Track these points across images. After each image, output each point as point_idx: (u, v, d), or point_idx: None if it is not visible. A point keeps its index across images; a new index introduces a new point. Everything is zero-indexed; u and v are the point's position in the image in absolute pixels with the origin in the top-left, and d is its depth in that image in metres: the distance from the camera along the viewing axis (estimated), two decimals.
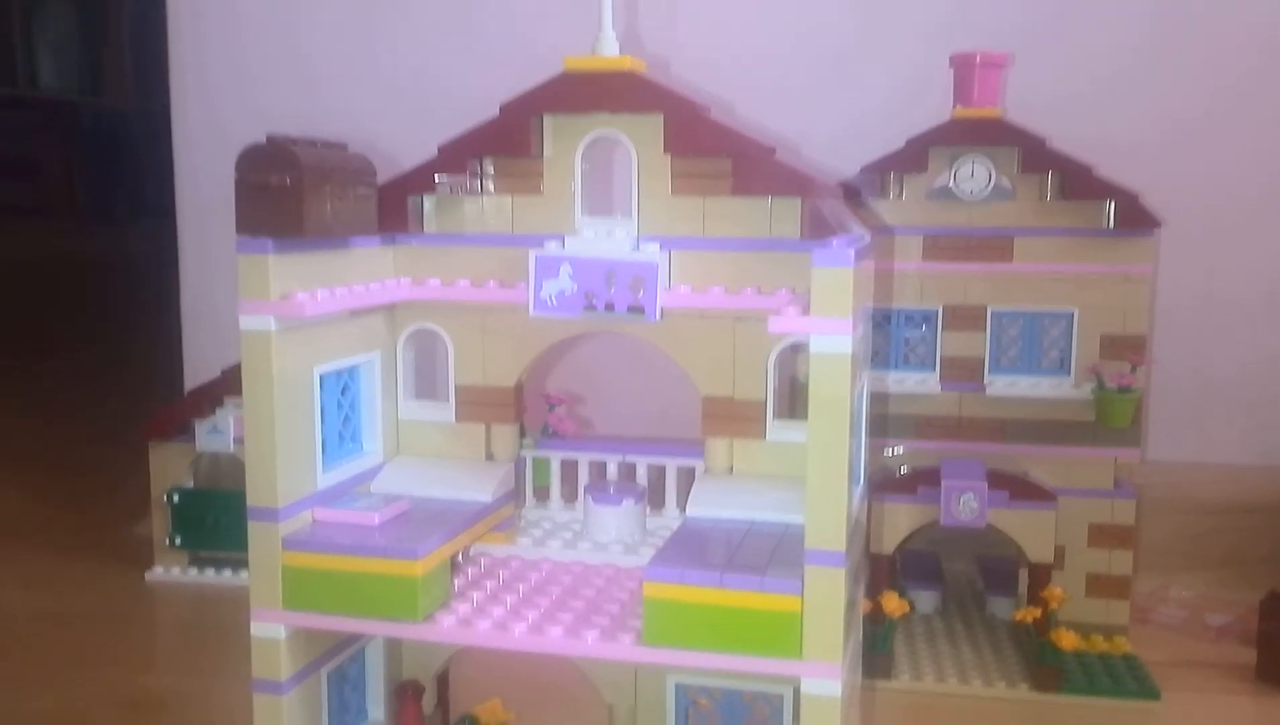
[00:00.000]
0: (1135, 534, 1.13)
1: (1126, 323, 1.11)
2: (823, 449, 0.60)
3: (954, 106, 1.11)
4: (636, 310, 0.71)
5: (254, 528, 0.67)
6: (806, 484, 0.60)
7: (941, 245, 1.12)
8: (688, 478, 0.79)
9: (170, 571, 1.35)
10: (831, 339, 0.59)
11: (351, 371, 0.75)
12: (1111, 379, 1.09)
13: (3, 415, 2.32)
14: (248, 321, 0.65)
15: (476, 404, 0.79)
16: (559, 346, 0.78)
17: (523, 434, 0.82)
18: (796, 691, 0.74)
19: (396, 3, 1.43)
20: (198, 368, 1.49)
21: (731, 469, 0.76)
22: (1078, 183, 1.08)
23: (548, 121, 0.74)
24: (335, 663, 0.75)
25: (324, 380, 0.71)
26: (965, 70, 1.10)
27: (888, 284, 1.12)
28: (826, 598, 0.60)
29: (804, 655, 0.61)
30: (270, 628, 0.68)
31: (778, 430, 0.75)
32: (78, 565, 1.40)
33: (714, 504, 0.72)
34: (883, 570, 1.08)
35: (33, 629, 1.22)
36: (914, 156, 1.11)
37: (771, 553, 0.65)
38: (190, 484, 1.33)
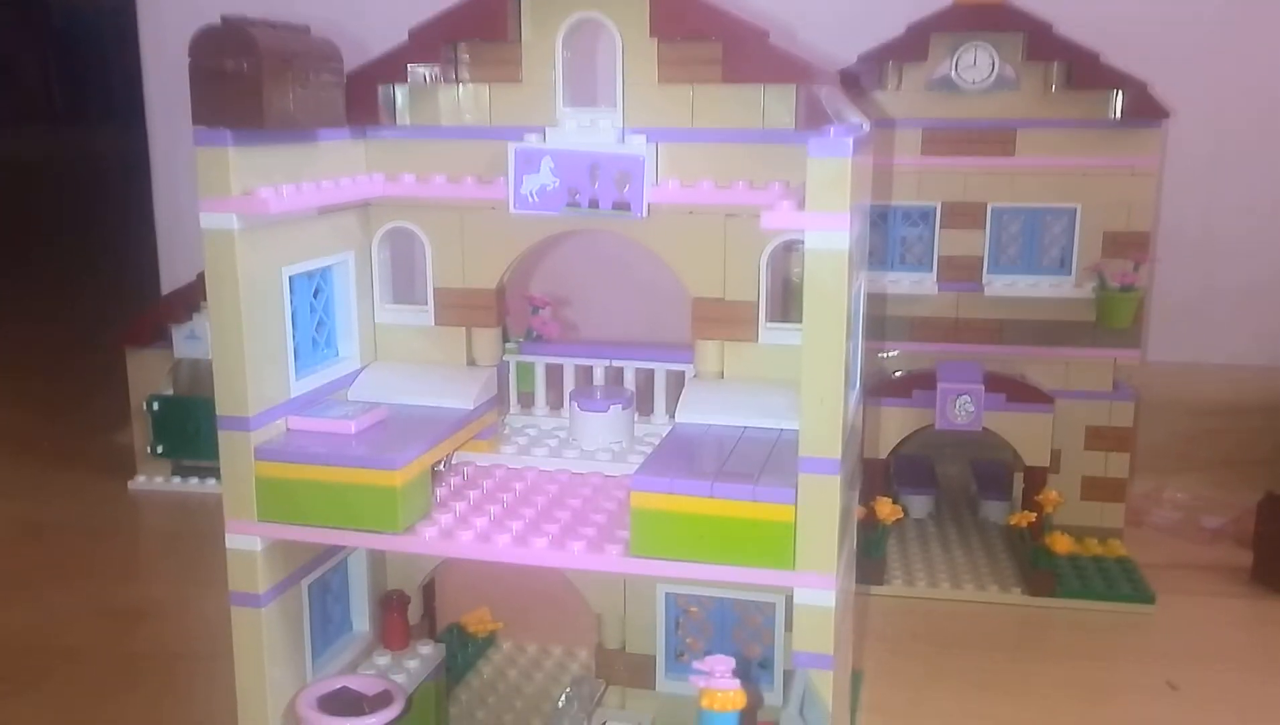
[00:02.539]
0: (1133, 436, 1.11)
1: (1131, 219, 1.07)
2: (818, 352, 0.57)
3: None
4: (622, 206, 0.67)
5: (225, 437, 0.64)
6: (800, 389, 0.57)
7: (941, 138, 1.08)
8: (677, 383, 0.76)
9: (153, 480, 1.33)
10: (827, 235, 0.56)
11: (324, 273, 0.71)
12: (1114, 278, 1.06)
13: None
14: (209, 220, 0.62)
15: (456, 307, 0.75)
16: (542, 245, 0.74)
17: (505, 338, 0.79)
18: (789, 599, 0.72)
19: None
20: (174, 272, 1.45)
21: (722, 373, 0.73)
22: (1084, 71, 1.04)
23: (525, 3, 0.69)
24: (316, 574, 0.73)
25: (294, 282, 0.67)
26: None
27: (886, 180, 1.08)
28: (821, 507, 0.58)
29: (797, 566, 0.58)
30: (245, 539, 0.66)
31: (771, 332, 0.71)
32: (58, 474, 1.38)
33: (704, 410, 0.69)
34: (876, 475, 1.07)
35: (11, 538, 1.20)
36: (914, 44, 1.06)
37: (764, 460, 0.62)
38: (170, 391, 1.30)
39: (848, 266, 0.56)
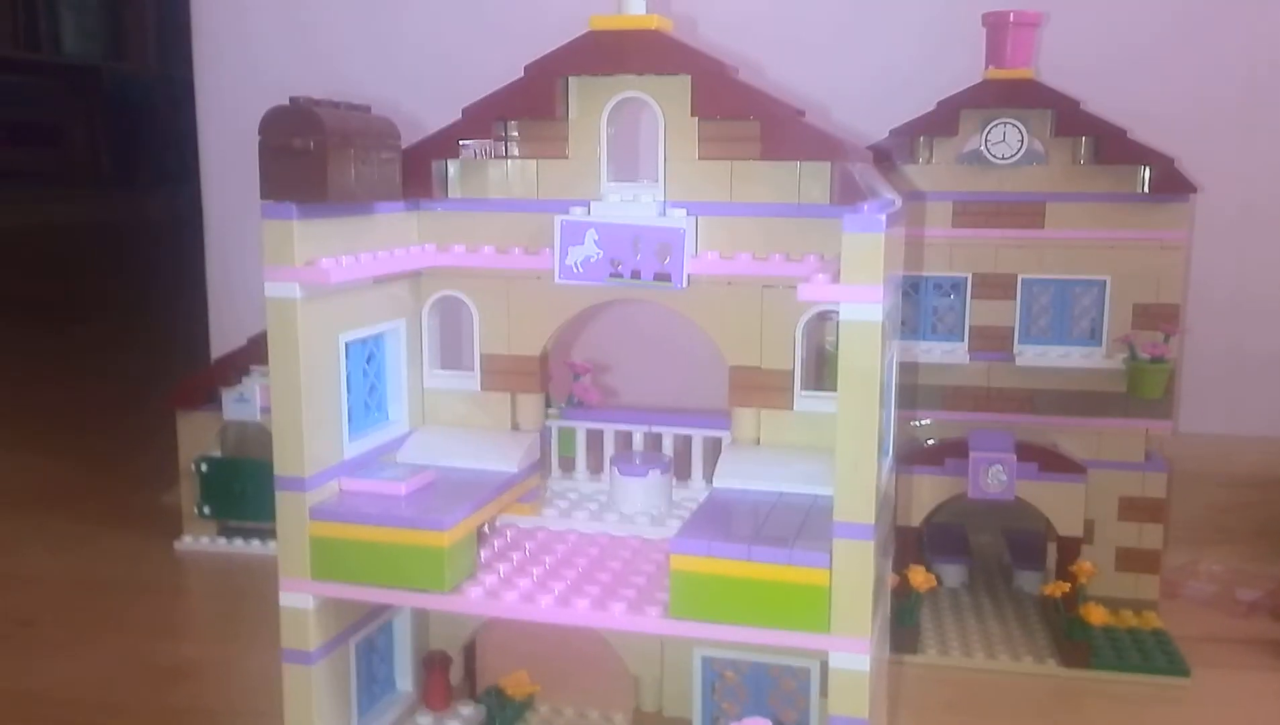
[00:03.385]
0: (1166, 507, 1.12)
1: (1160, 291, 1.09)
2: (852, 420, 0.59)
3: (986, 67, 1.09)
4: (663, 277, 0.70)
5: (281, 497, 0.67)
6: (835, 455, 0.59)
7: (972, 211, 1.10)
8: (714, 449, 0.78)
9: (199, 541, 1.36)
10: (862, 307, 0.58)
11: (377, 339, 0.74)
12: (1144, 349, 1.07)
13: (31, 382, 2.34)
14: (273, 288, 0.65)
15: (502, 373, 0.78)
16: (585, 314, 0.77)
17: (548, 403, 0.81)
18: (824, 665, 0.73)
19: None
20: (224, 335, 1.49)
21: (759, 440, 0.75)
22: (1112, 147, 1.06)
23: (573, 83, 0.73)
24: (364, 633, 0.75)
25: (349, 348, 0.70)
26: (998, 30, 1.08)
27: (918, 251, 1.10)
28: (855, 571, 0.59)
29: (832, 629, 0.60)
30: (299, 598, 0.68)
31: (805, 401, 0.74)
32: (107, 533, 1.41)
33: (741, 475, 0.71)
34: (909, 543, 1.07)
35: (62, 595, 1.22)
36: (945, 119, 1.09)
37: (799, 525, 0.64)
38: (218, 453, 1.33)
39: (881, 337, 0.58)
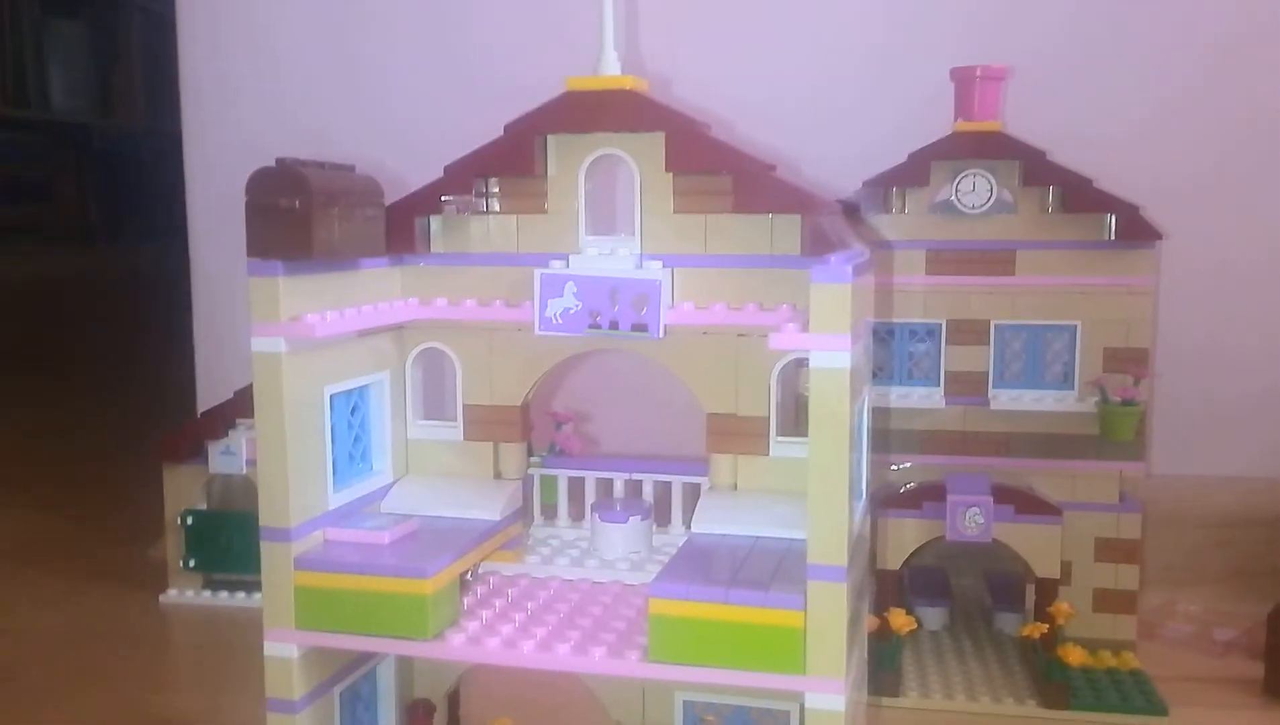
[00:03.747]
0: (1141, 548, 1.13)
1: (1130, 336, 1.11)
2: (823, 464, 0.60)
3: (955, 120, 1.12)
4: (640, 328, 0.72)
5: (267, 548, 0.68)
6: (808, 499, 0.61)
7: (944, 259, 1.12)
8: (693, 494, 0.80)
9: (184, 594, 1.36)
10: (831, 355, 0.60)
11: (361, 392, 0.76)
12: (1115, 392, 1.10)
13: (16, 435, 2.34)
14: (259, 343, 0.66)
15: (484, 423, 0.80)
16: (565, 365, 0.79)
17: (530, 452, 0.83)
18: (803, 707, 0.75)
19: (405, 31, 1.45)
20: (210, 389, 1.50)
21: (736, 485, 0.76)
22: (1079, 195, 1.09)
23: (551, 141, 0.75)
24: (348, 681, 0.75)
25: (334, 401, 0.72)
26: (965, 84, 1.11)
27: (889, 298, 1.12)
28: (829, 613, 0.61)
29: (807, 670, 0.61)
30: (283, 647, 0.69)
31: (781, 446, 0.75)
32: (92, 586, 1.41)
33: (719, 521, 0.73)
34: (889, 586, 1.09)
35: (47, 649, 1.22)
36: (915, 170, 1.11)
37: (775, 568, 0.65)
38: (204, 506, 1.34)
39: (850, 383, 0.60)
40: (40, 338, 3.40)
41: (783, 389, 0.77)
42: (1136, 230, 1.08)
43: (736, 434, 0.76)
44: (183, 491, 1.34)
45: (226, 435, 1.30)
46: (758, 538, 0.71)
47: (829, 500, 0.60)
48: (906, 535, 1.08)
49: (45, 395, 2.74)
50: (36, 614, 1.33)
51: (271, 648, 0.69)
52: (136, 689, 1.12)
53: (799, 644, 0.61)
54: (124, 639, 1.26)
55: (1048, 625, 1.04)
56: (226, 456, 1.29)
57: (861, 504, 0.70)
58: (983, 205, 1.11)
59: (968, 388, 1.13)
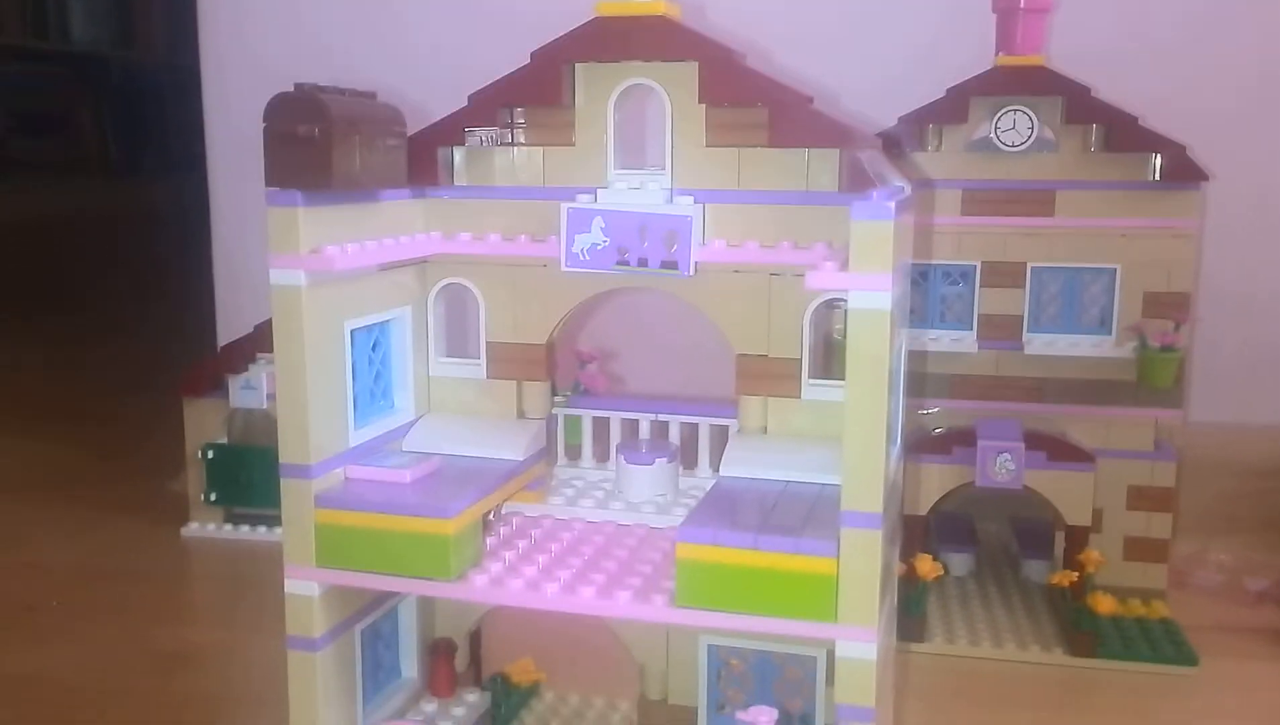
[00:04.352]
0: (1175, 497, 1.11)
1: (1171, 280, 1.08)
2: (860, 408, 0.58)
3: (996, 54, 1.08)
4: (670, 265, 0.70)
5: (287, 485, 0.67)
6: (843, 444, 0.59)
7: (981, 199, 1.09)
8: (721, 437, 0.78)
9: (205, 527, 1.36)
10: (870, 295, 0.57)
11: (382, 327, 0.74)
12: (1154, 338, 1.07)
13: (37, 370, 2.34)
14: (277, 276, 0.64)
15: (508, 361, 0.78)
16: (591, 302, 0.77)
17: (554, 391, 0.81)
18: (830, 654, 0.73)
19: None
20: (231, 323, 1.49)
21: (766, 428, 0.74)
22: (1123, 134, 1.05)
23: (579, 70, 0.72)
24: (369, 620, 0.75)
25: (355, 336, 0.70)
26: (1008, 16, 1.07)
27: (926, 239, 1.09)
28: (862, 560, 0.59)
29: (839, 619, 0.60)
30: (304, 585, 0.68)
31: (813, 389, 0.73)
32: (114, 520, 1.42)
33: (748, 464, 0.71)
34: (916, 532, 1.07)
35: (69, 582, 1.23)
36: (954, 107, 1.08)
37: (806, 514, 0.64)
38: (225, 440, 1.33)
39: (890, 326, 0.58)
40: (59, 272, 3.40)
41: (815, 331, 0.74)
42: (1182, 171, 1.04)
43: (767, 376, 0.73)
44: (203, 426, 1.34)
45: (247, 370, 1.29)
46: (788, 482, 0.69)
47: (865, 445, 0.58)
48: (935, 480, 1.06)
49: (65, 330, 2.74)
50: (57, 547, 1.33)
51: (292, 585, 0.68)
52: (157, 622, 1.12)
53: (831, 592, 0.59)
54: (145, 572, 1.26)
55: (1077, 573, 1.02)
56: (247, 391, 1.28)
57: (896, 450, 0.68)
58: (1023, 143, 1.08)
59: (1001, 332, 1.10)
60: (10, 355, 2.48)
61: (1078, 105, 1.06)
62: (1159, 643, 1.03)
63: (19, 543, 1.35)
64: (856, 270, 0.57)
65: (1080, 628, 1.01)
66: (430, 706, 0.79)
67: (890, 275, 0.57)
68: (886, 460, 0.59)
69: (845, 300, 0.70)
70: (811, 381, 0.73)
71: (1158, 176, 1.06)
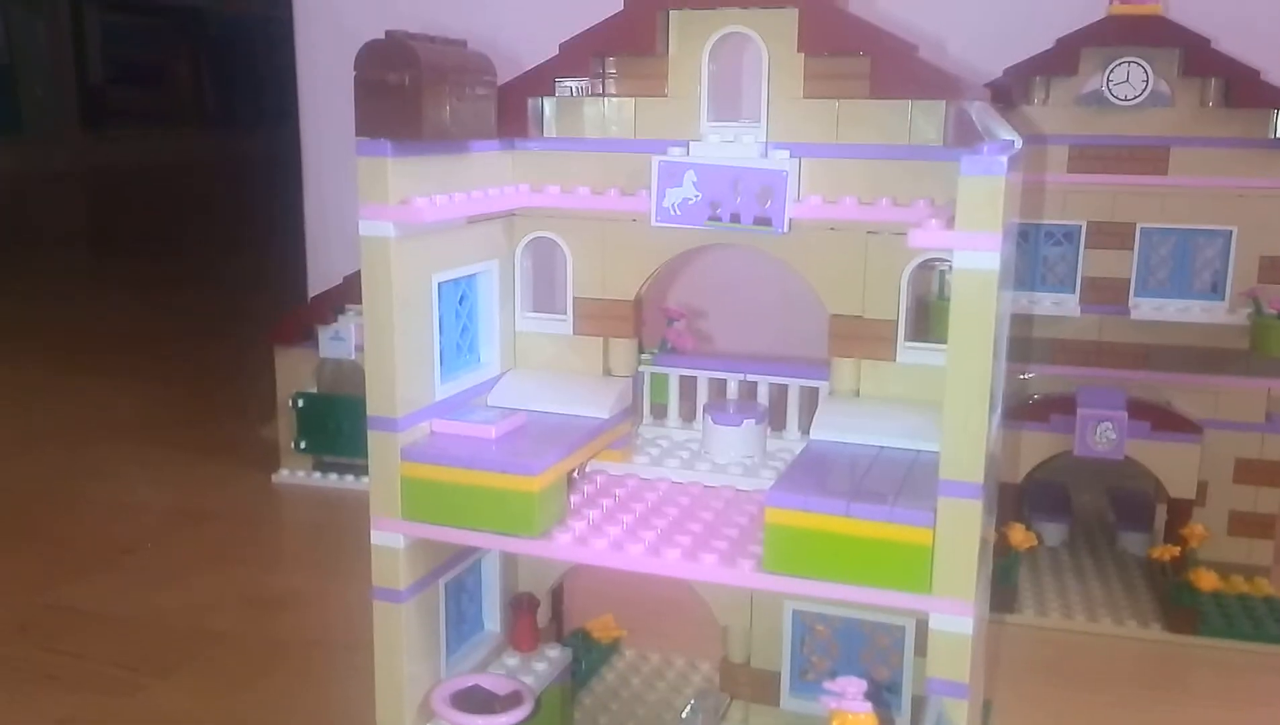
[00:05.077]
0: None
1: None
2: (963, 373, 0.56)
3: (1110, 3, 1.03)
4: (763, 221, 0.67)
5: (373, 437, 0.67)
6: (944, 410, 0.56)
7: (1089, 155, 1.04)
8: (811, 399, 0.76)
9: (295, 474, 1.38)
10: (978, 255, 0.55)
11: (470, 280, 0.73)
12: (1271, 304, 1.02)
13: (130, 315, 2.41)
14: (367, 226, 0.64)
15: (595, 317, 0.76)
16: (681, 259, 0.75)
17: (641, 349, 0.80)
18: (920, 622, 0.71)
19: None
20: (321, 273, 1.51)
21: (858, 392, 0.72)
22: (1244, 89, 1.00)
23: (673, 17, 0.70)
24: (453, 573, 0.74)
25: (442, 289, 0.69)
26: None
27: (1035, 198, 1.05)
28: (961, 531, 0.57)
29: (934, 590, 0.58)
30: (389, 537, 0.68)
31: (909, 352, 0.70)
32: (207, 465, 1.45)
33: (840, 428, 0.69)
34: (1009, 500, 1.04)
35: (165, 526, 1.26)
36: (1064, 58, 1.03)
37: (901, 481, 0.61)
38: (314, 389, 1.35)
39: (997, 287, 0.55)
40: (154, 220, 3.49)
41: (911, 292, 0.72)
42: None
43: (862, 337, 0.71)
44: (294, 374, 1.35)
45: (335, 321, 1.30)
46: (881, 448, 0.67)
47: (967, 412, 0.56)
48: (1031, 448, 1.03)
49: (158, 277, 2.81)
50: (153, 489, 1.37)
51: (378, 537, 0.68)
52: (251, 567, 1.15)
53: (926, 563, 0.57)
54: (238, 517, 1.29)
55: (1179, 547, 0.99)
56: (336, 342, 1.29)
57: (997, 417, 0.65)
58: (1136, 97, 1.03)
59: (1106, 295, 1.06)
60: (105, 300, 2.55)
61: (1196, 57, 1.01)
62: (1263, 621, 0.99)
63: (114, 484, 1.39)
64: (964, 228, 0.55)
65: (1180, 603, 0.98)
66: (512, 660, 0.79)
67: (999, 235, 0.54)
68: (988, 428, 0.57)
69: (945, 260, 0.67)
70: (907, 344, 0.71)
71: (1279, 134, 1.00)
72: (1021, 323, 1.07)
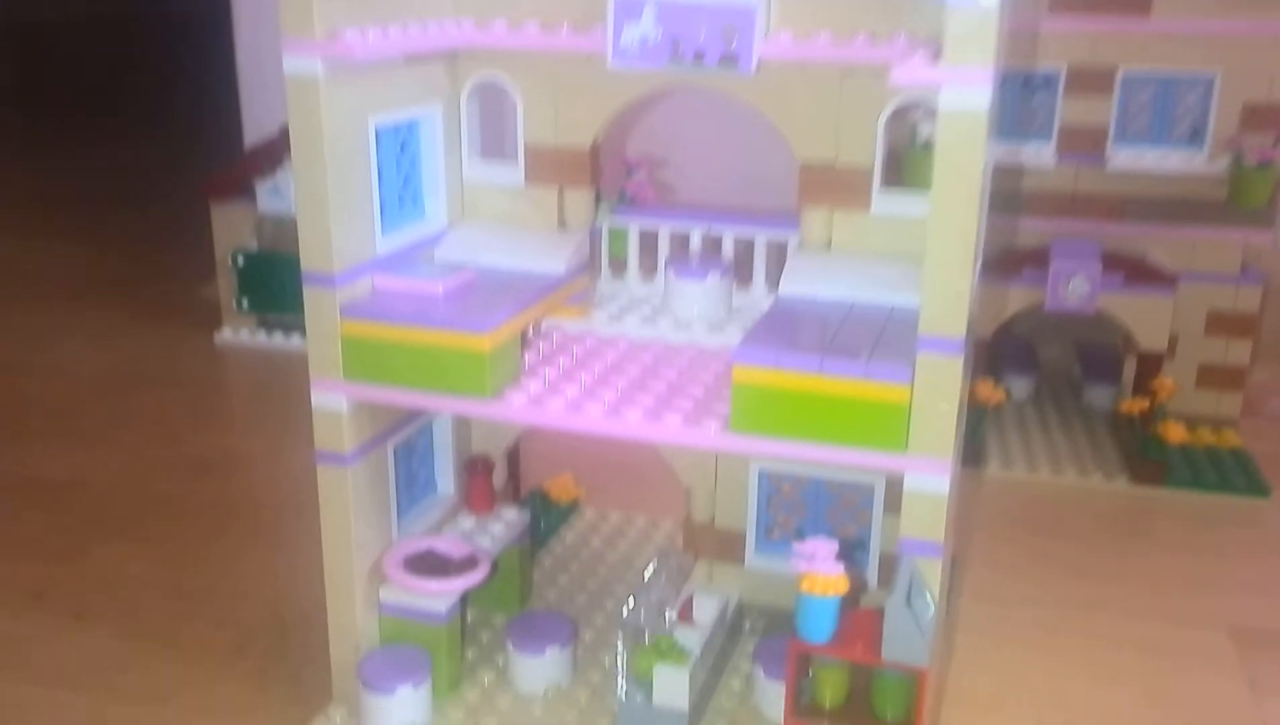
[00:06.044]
0: (1258, 323, 1.05)
1: (1274, 89, 0.99)
2: (947, 223, 0.52)
3: None
4: (729, 61, 0.62)
5: (309, 294, 0.62)
6: (925, 262, 0.53)
7: None
8: (779, 253, 0.72)
9: (239, 334, 1.33)
10: (967, 94, 0.50)
11: (410, 125, 0.68)
12: (1251, 153, 0.98)
13: (65, 174, 2.30)
14: (292, 64, 0.58)
15: (548, 165, 0.71)
16: (640, 102, 0.69)
17: (598, 200, 0.75)
18: (889, 481, 0.69)
19: None
20: (257, 124, 1.43)
21: (830, 244, 0.68)
22: None
23: None
24: (402, 436, 0.71)
25: (380, 134, 0.64)
26: None
27: (1026, 44, 1.00)
28: (940, 389, 0.54)
29: (910, 449, 0.55)
30: (331, 399, 0.64)
31: (884, 201, 0.66)
32: (146, 325, 1.39)
33: (810, 282, 0.65)
34: (978, 355, 1.02)
35: (106, 388, 1.21)
36: None
37: (876, 337, 0.58)
38: (254, 246, 1.29)
39: (986, 130, 0.51)
40: (84, 75, 3.32)
41: (886, 143, 0.67)
42: None
43: (834, 186, 0.67)
44: (232, 231, 1.29)
45: (274, 174, 1.23)
46: (854, 303, 0.64)
47: (950, 264, 0.52)
48: (1000, 302, 1.00)
49: (90, 135, 2.68)
50: (92, 355, 1.31)
51: (319, 399, 0.64)
52: (194, 429, 1.11)
53: (902, 421, 0.54)
54: (180, 378, 1.25)
55: (1148, 400, 0.97)
56: (274, 196, 1.22)
57: (978, 271, 0.61)
58: None
59: (1084, 144, 1.02)
60: (35, 160, 2.44)
61: None
62: (1229, 472, 0.98)
63: (50, 347, 1.33)
64: (952, 63, 0.50)
65: (1148, 456, 0.97)
66: (468, 522, 0.77)
67: (990, 70, 0.50)
68: (972, 282, 0.53)
69: (921, 107, 0.63)
70: (882, 192, 0.66)
71: None
72: (1018, 175, 1.03)
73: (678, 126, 1.13)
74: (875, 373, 0.54)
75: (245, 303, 1.30)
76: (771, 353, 0.56)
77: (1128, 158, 1.01)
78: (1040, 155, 1.02)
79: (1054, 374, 1.21)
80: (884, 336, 0.58)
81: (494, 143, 0.74)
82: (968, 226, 0.52)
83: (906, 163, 0.76)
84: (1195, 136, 1.01)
